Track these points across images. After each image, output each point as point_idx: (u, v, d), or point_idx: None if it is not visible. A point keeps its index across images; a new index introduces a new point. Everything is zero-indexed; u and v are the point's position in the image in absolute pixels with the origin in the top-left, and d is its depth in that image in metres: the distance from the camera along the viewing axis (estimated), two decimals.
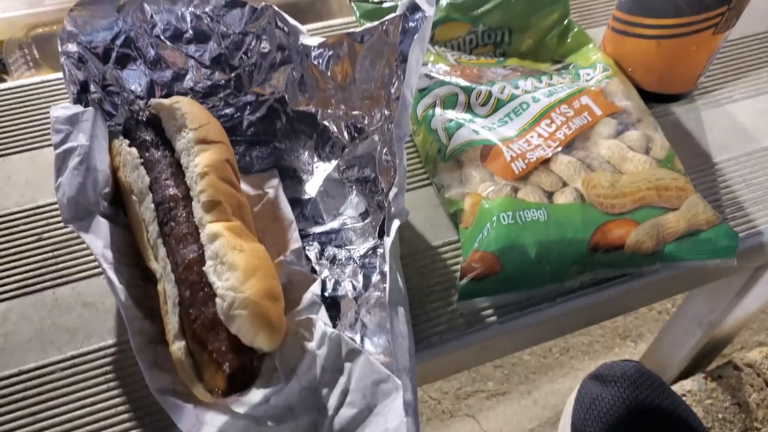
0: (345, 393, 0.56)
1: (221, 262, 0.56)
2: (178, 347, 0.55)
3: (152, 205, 0.60)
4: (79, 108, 0.64)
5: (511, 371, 1.51)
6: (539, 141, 0.66)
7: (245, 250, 0.57)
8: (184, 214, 0.59)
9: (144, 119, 0.67)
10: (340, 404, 0.55)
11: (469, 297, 0.61)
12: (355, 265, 0.67)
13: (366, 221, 0.71)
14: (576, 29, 0.84)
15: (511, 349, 0.70)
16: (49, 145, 0.73)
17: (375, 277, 0.66)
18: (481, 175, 0.65)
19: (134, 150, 0.64)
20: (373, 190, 0.72)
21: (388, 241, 0.62)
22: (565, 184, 0.64)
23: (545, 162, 0.65)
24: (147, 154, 0.63)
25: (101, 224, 0.60)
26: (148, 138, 0.65)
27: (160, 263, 0.59)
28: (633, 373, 0.90)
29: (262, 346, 0.55)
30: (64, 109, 0.64)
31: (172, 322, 0.56)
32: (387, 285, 0.60)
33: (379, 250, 0.68)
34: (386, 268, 0.61)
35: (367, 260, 0.68)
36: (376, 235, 0.69)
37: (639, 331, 1.61)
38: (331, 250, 0.69)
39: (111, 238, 0.60)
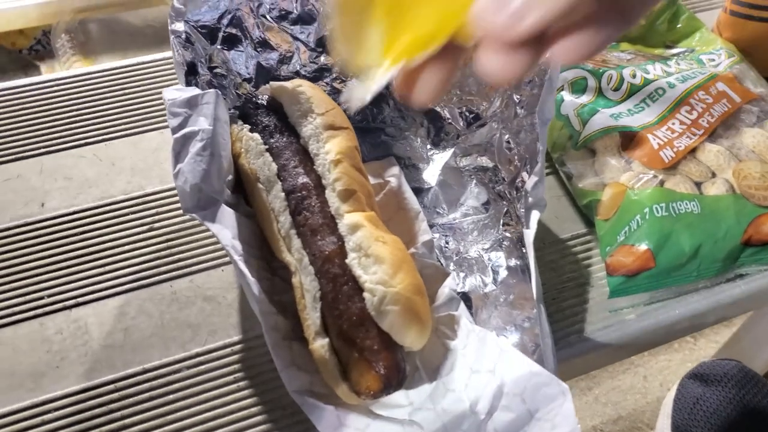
0: (498, 396, 0.52)
1: (366, 254, 0.52)
2: (321, 345, 0.52)
3: (282, 194, 0.57)
4: (196, 90, 0.60)
5: None
6: (681, 128, 0.62)
7: (388, 242, 0.54)
8: (318, 204, 0.56)
9: (264, 103, 0.63)
10: (494, 408, 0.52)
11: (621, 294, 0.57)
12: (482, 258, 0.64)
13: (488, 212, 0.67)
14: (687, 14, 0.80)
15: (647, 346, 0.67)
16: (153, 129, 0.70)
17: (503, 272, 0.63)
18: (623, 164, 0.61)
19: (257, 136, 0.60)
20: (493, 179, 0.68)
21: (529, 233, 0.59)
22: (713, 175, 0.60)
23: (691, 151, 0.61)
24: (271, 140, 0.60)
25: (227, 213, 0.56)
26: (270, 123, 0.61)
27: (294, 255, 0.55)
28: (736, 372, 0.86)
29: (412, 344, 0.52)
30: (178, 91, 0.60)
31: (312, 317, 0.53)
32: (533, 280, 0.57)
33: (505, 243, 0.65)
34: (529, 262, 0.58)
35: (492, 253, 0.64)
36: (500, 227, 0.66)
37: None
38: (454, 242, 0.65)
39: (238, 228, 0.56)
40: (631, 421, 1.44)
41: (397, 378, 0.50)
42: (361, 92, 0.28)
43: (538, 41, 0.25)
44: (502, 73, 0.26)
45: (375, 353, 0.50)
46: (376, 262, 0.52)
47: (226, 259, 0.62)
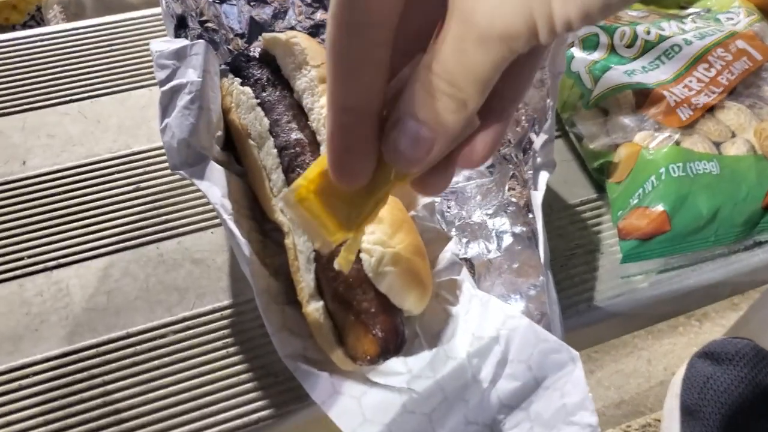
0: (503, 363, 0.49)
1: None
2: (315, 308, 0.49)
3: (275, 151, 0.53)
4: (184, 41, 0.57)
5: None
6: (699, 86, 0.59)
7: (387, 201, 0.50)
8: (312, 161, 0.52)
9: (256, 56, 0.59)
10: (497, 376, 0.49)
11: (634, 259, 0.54)
12: (485, 224, 0.61)
13: (493, 176, 0.64)
14: None
15: (659, 317, 0.64)
16: (141, 86, 0.66)
17: (507, 239, 0.60)
18: (637, 123, 0.58)
19: (248, 89, 0.57)
20: None
21: (537, 195, 0.56)
22: (733, 134, 0.57)
23: (710, 110, 0.58)
24: (264, 94, 0.56)
25: (216, 170, 0.53)
26: (262, 76, 0.58)
27: (287, 215, 0.52)
28: (749, 351, 0.83)
29: (412, 307, 0.49)
30: (166, 42, 0.57)
31: (306, 280, 0.50)
32: (541, 244, 0.54)
33: (510, 208, 0.61)
34: (537, 226, 0.55)
35: (497, 219, 0.61)
36: (505, 191, 0.63)
37: (703, 310, 1.54)
38: (456, 207, 0.62)
39: (228, 187, 0.53)
40: (634, 405, 1.41)
41: (395, 342, 0.47)
42: (344, 260, 0.36)
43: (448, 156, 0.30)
44: (434, 189, 0.33)
45: (372, 316, 0.47)
46: (373, 222, 0.48)
47: (216, 221, 0.59)
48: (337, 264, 0.40)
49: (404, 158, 0.29)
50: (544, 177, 0.55)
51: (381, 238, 0.48)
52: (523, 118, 0.62)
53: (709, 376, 0.82)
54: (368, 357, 0.46)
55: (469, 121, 0.28)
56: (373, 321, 0.46)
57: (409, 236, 0.49)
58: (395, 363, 0.51)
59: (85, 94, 0.65)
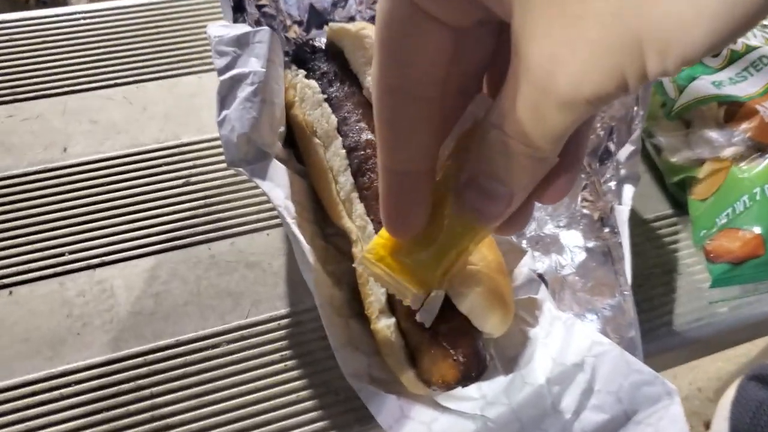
0: (588, 393, 0.45)
1: None
2: (386, 325, 0.45)
3: (343, 152, 0.49)
4: (246, 27, 0.53)
5: None
6: None
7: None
8: None
9: (322, 47, 0.55)
10: (582, 406, 0.45)
11: (724, 284, 0.50)
12: (557, 237, 0.57)
13: None
14: None
15: (736, 342, 0.61)
16: (190, 73, 0.62)
17: (581, 254, 0.56)
18: (726, 138, 0.54)
19: (314, 83, 0.53)
20: None
21: (623, 210, 0.52)
22: None
23: None
24: (331, 89, 0.52)
25: (279, 169, 0.49)
26: (329, 70, 0.53)
27: (356, 222, 0.48)
28: None
29: (493, 330, 0.45)
30: (226, 27, 0.53)
31: (376, 294, 0.46)
32: (627, 262, 0.50)
33: (583, 221, 0.58)
34: (623, 241, 0.52)
35: (569, 232, 0.57)
36: (578, 203, 0.59)
37: None
38: None
39: (290, 188, 0.49)
40: None
41: (477, 368, 0.43)
42: (428, 314, 0.41)
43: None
44: (514, 230, 0.32)
45: (451, 338, 0.43)
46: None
47: (273, 222, 0.55)
48: (419, 317, 0.41)
49: (484, 216, 0.29)
50: (629, 191, 0.52)
51: None
52: (599, 125, 0.58)
53: (762, 401, 0.79)
54: (445, 383, 0.43)
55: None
56: (452, 343, 0.43)
57: (492, 253, 0.45)
58: (468, 387, 0.47)
59: (130, 78, 0.61)
